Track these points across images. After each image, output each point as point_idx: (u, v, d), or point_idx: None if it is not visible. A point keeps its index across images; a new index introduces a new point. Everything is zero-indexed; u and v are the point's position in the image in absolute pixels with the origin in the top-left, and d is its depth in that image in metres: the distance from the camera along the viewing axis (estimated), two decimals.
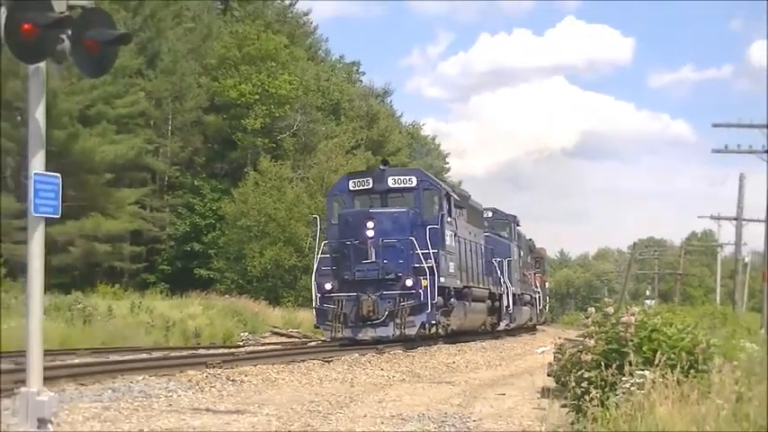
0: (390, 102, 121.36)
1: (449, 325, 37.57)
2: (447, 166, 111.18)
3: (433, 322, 34.43)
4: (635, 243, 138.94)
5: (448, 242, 36.16)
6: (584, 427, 11.67)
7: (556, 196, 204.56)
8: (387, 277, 33.03)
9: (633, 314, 14.54)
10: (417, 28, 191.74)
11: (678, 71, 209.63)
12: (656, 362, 12.75)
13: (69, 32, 12.50)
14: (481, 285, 43.91)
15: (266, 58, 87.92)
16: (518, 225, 60.59)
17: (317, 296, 34.10)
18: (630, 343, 13.75)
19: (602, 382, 13.17)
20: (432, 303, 33.20)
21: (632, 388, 12.18)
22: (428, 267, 32.58)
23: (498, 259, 49.41)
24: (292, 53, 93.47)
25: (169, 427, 13.88)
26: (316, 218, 35.30)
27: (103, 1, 57.99)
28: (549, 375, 19.19)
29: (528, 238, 73.14)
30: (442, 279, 34.15)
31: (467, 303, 39.94)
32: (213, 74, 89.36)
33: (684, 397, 11.53)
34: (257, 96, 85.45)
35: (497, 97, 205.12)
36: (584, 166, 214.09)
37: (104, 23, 13.24)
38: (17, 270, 58.67)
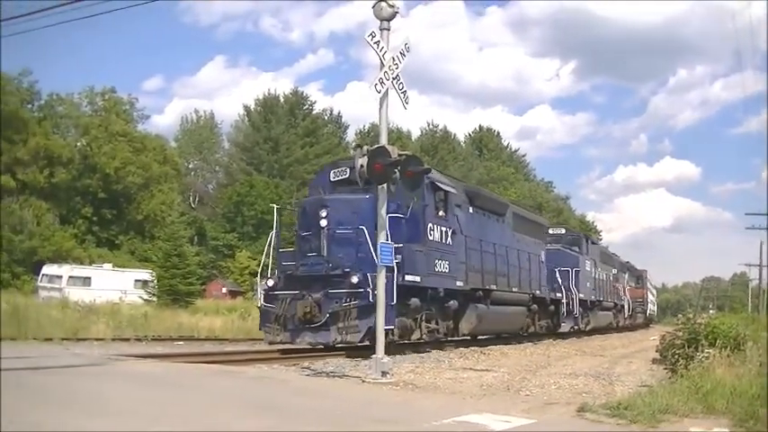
0: (569, 202, 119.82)
1: (452, 327, 22.19)
2: (601, 237, 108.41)
3: (391, 327, 17.06)
4: (704, 278, 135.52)
5: (435, 238, 20.00)
6: (676, 381, 11.45)
7: (658, 252, 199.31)
8: (333, 273, 17.85)
9: (703, 318, 14.36)
10: (583, 163, 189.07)
11: (725, 185, 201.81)
12: (716, 344, 12.55)
13: (399, 168, 13.02)
14: (516, 289, 26.46)
15: (502, 179, 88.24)
16: (593, 243, 43.05)
17: (260, 294, 19.16)
18: (702, 334, 13.52)
19: (686, 356, 12.98)
20: (390, 305, 16.30)
21: (702, 359, 11.97)
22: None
23: (563, 269, 33.25)
24: (516, 176, 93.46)
25: (450, 377, 13.95)
26: (274, 207, 20.89)
27: (416, 152, 58.94)
28: (656, 352, 18.72)
29: (625, 261, 57.38)
30: (411, 277, 18.25)
31: (480, 306, 23.07)
32: None
33: (732, 363, 11.36)
34: None
35: (628, 199, 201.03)
36: (673, 236, 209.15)
37: (416, 163, 13.71)
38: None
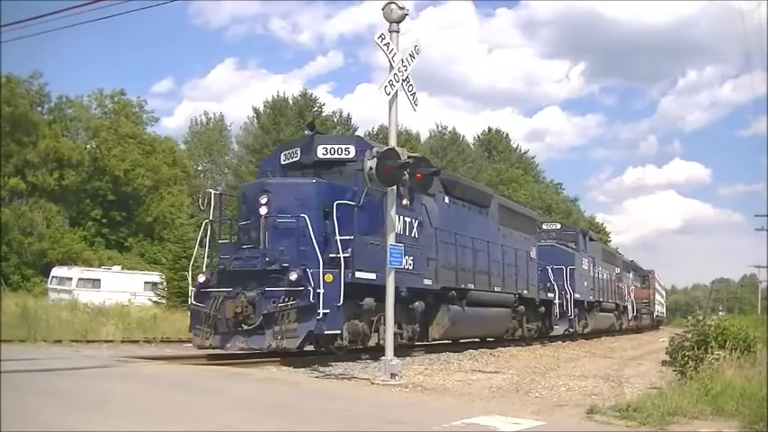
0: (578, 204, 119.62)
1: (419, 332, 19.21)
2: (610, 239, 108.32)
3: (336, 332, 15.43)
4: (714, 279, 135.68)
5: (396, 229, 14.96)
6: (685, 383, 11.43)
7: (668, 254, 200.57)
8: (270, 269, 15.50)
9: (713, 320, 14.33)
10: (593, 165, 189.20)
11: (735, 186, 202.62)
12: (726, 346, 12.52)
13: (408, 170, 13.03)
14: (498, 289, 23.75)
15: (512, 181, 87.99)
16: (591, 239, 38.82)
17: (191, 292, 16.61)
18: (712, 336, 13.49)
19: (696, 357, 12.95)
20: (335, 306, 14.94)
21: (712, 360, 11.95)
22: (323, 257, 15.01)
23: (556, 267, 30.30)
24: (525, 178, 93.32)
25: (459, 379, 13.98)
26: (211, 192, 18.10)
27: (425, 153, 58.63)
28: (666, 354, 18.67)
29: (630, 260, 55.09)
30: (363, 274, 15.50)
31: (453, 307, 20.53)
32: None
33: (741, 365, 11.32)
34: None
35: (638, 201, 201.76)
36: (682, 238, 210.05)
37: (425, 165, 13.73)
38: None
